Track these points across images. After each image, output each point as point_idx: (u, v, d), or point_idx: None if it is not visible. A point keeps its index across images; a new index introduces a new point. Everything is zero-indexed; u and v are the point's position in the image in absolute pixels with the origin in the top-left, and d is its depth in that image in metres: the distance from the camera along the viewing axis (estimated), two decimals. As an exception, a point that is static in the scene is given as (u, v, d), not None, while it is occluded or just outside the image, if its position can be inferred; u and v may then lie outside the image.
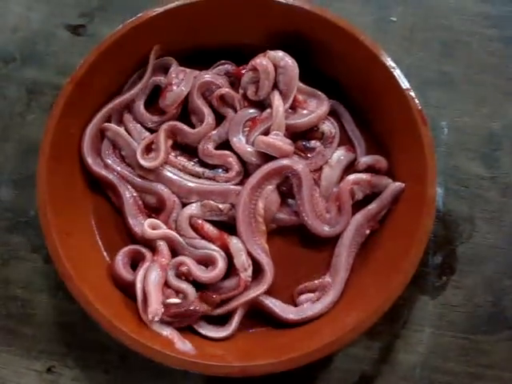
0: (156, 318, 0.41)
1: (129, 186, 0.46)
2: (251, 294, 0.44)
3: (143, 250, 0.45)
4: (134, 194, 0.46)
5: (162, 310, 0.42)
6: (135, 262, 0.45)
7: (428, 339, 0.45)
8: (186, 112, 0.49)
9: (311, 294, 0.45)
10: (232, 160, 0.47)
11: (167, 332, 0.42)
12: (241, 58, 0.48)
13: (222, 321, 0.44)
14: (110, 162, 0.47)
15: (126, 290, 0.44)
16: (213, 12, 0.47)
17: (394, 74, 0.45)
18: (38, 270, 0.47)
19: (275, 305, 0.44)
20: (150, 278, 0.42)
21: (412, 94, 0.44)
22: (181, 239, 0.45)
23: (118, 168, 0.47)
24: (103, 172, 0.46)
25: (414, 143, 0.44)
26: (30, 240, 0.48)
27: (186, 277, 0.44)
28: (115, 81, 0.48)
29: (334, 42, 0.47)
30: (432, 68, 0.52)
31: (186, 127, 0.48)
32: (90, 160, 0.46)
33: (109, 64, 0.46)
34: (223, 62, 0.50)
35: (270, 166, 0.45)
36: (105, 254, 0.46)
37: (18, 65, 0.52)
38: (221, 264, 0.44)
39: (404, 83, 0.44)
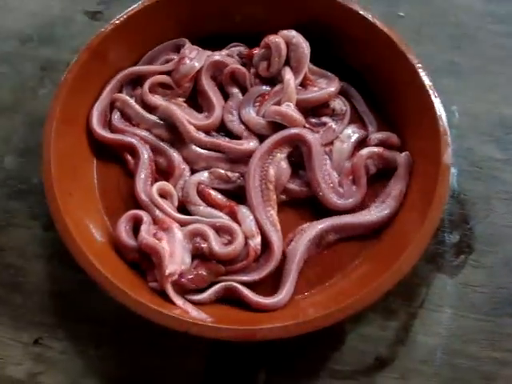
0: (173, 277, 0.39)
1: (148, 149, 0.45)
2: (257, 275, 0.42)
3: (144, 214, 0.43)
4: (151, 157, 0.45)
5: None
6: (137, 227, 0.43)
7: (448, 321, 0.42)
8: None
9: None
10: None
11: (180, 302, 0.39)
12: (255, 45, 0.49)
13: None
14: (124, 126, 0.47)
15: (128, 255, 0.42)
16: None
17: (403, 49, 0.45)
18: (35, 238, 0.45)
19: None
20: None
21: (421, 70, 0.44)
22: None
23: (136, 130, 0.46)
24: (119, 137, 0.46)
25: (425, 113, 0.43)
26: (30, 207, 0.46)
27: (202, 253, 0.41)
28: (129, 55, 0.49)
29: (348, 28, 0.47)
30: (441, 58, 0.53)
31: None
32: (100, 130, 0.46)
33: (124, 38, 0.47)
34: (235, 44, 0.51)
35: (281, 134, 0.45)
36: (106, 218, 0.44)
37: (34, 45, 0.53)
38: (240, 238, 0.41)
39: (414, 61, 0.45)
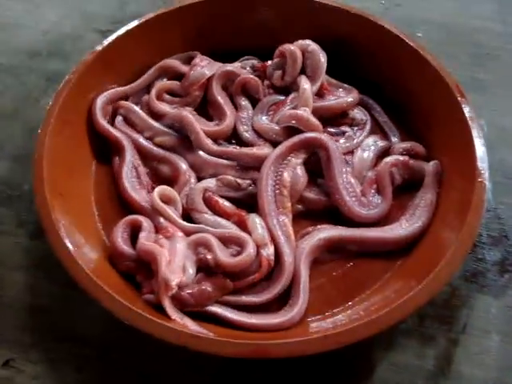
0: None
1: (134, 153, 0.42)
2: (269, 294, 0.36)
3: (144, 221, 0.38)
4: (136, 160, 0.42)
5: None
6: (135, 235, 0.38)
7: (497, 349, 0.35)
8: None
9: None
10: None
11: (178, 316, 0.33)
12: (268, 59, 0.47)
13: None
14: (126, 129, 0.44)
15: (122, 264, 0.36)
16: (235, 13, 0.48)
17: (426, 57, 0.43)
18: (20, 247, 0.40)
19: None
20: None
21: (447, 75, 0.42)
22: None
23: (133, 134, 0.43)
24: (110, 129, 0.43)
25: (454, 116, 0.40)
26: (17, 214, 0.42)
27: (207, 265, 0.36)
28: (135, 62, 0.47)
29: (367, 39, 0.46)
30: (464, 75, 0.50)
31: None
32: (100, 117, 0.43)
33: (130, 46, 0.46)
34: (248, 57, 0.49)
35: (298, 137, 0.41)
36: (100, 225, 0.39)
37: (42, 58, 0.52)
38: (250, 248, 0.36)
39: (437, 63, 0.42)
